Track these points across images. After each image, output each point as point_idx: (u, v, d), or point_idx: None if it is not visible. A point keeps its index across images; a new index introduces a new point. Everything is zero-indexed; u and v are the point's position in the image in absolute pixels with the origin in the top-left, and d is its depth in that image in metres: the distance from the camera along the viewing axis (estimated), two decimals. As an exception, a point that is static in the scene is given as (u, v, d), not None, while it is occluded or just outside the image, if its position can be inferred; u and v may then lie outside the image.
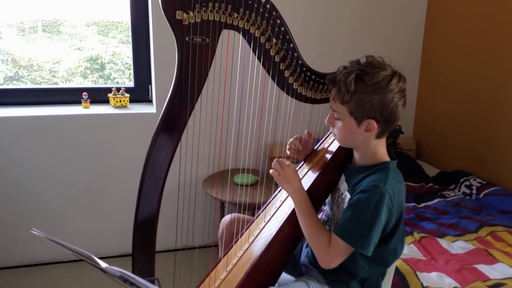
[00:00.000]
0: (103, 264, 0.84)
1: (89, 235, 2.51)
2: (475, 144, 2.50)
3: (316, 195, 1.28)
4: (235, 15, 1.11)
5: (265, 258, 1.21)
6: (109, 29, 2.66)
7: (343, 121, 1.17)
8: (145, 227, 1.19)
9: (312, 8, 2.57)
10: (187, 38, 1.08)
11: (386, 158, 1.22)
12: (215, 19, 1.09)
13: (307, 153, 1.45)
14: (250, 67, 1.23)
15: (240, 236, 1.37)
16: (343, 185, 1.28)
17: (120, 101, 2.44)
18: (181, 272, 1.94)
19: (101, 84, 2.66)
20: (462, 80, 2.57)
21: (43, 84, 2.57)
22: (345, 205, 1.20)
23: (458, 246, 1.82)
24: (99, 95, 2.49)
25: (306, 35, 2.51)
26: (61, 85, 2.60)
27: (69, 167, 2.39)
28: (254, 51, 1.17)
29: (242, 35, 1.15)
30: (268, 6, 1.12)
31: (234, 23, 1.11)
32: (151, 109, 2.49)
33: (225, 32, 1.12)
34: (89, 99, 2.43)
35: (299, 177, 1.26)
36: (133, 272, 1.18)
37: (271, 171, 1.27)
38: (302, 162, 1.45)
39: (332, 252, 1.16)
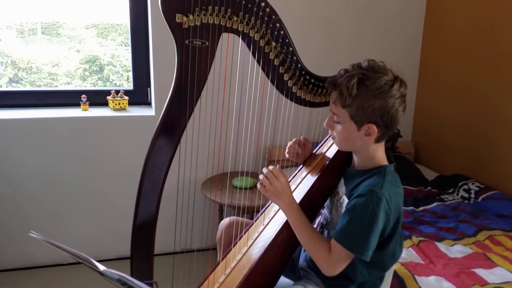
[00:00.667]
0: (101, 267, 0.84)
1: (87, 238, 2.51)
2: (474, 148, 2.51)
3: (315, 198, 1.28)
4: (235, 18, 1.11)
5: (264, 261, 1.21)
6: (108, 32, 2.66)
7: (343, 124, 1.17)
8: (143, 230, 1.19)
9: (310, 13, 2.58)
10: (186, 41, 1.08)
11: (384, 162, 1.22)
12: (215, 22, 1.09)
13: (306, 156, 1.45)
14: (250, 71, 1.23)
15: (239, 239, 1.37)
16: (342, 189, 1.28)
17: (119, 104, 2.44)
18: (180, 275, 1.93)
19: (100, 86, 2.66)
20: (461, 83, 2.58)
21: (42, 87, 2.57)
22: (343, 209, 1.20)
23: (456, 250, 1.82)
24: (98, 98, 2.49)
25: (305, 39, 2.51)
26: (60, 87, 2.60)
27: (68, 170, 2.39)
28: (253, 54, 1.17)
29: (242, 38, 1.15)
30: (267, 9, 1.12)
31: (233, 27, 1.12)
32: (150, 112, 2.49)
33: (224, 35, 1.12)
34: (88, 102, 2.43)
35: (289, 190, 1.23)
36: (132, 275, 1.18)
37: (258, 185, 1.23)
38: (301, 165, 1.45)
39: (333, 259, 1.15)
